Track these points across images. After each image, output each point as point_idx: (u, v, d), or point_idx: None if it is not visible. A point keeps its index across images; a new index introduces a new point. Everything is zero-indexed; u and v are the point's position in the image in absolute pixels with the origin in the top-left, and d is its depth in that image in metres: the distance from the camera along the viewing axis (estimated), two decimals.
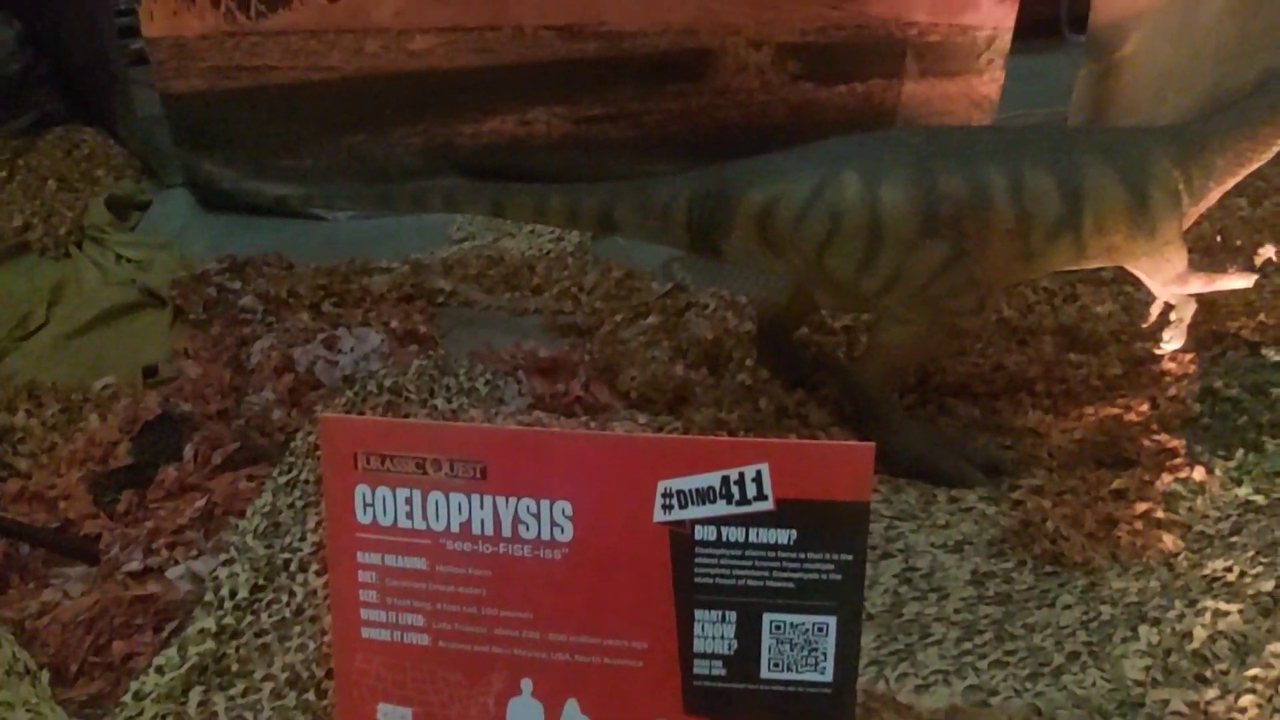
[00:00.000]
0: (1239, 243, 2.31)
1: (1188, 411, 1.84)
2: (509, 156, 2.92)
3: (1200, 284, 1.69)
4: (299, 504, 1.63)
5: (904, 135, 1.72)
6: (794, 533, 1.07)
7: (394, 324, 2.24)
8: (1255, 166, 1.62)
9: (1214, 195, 1.63)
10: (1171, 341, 1.83)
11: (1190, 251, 1.69)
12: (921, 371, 1.92)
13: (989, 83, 2.57)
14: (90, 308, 2.45)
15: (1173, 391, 1.86)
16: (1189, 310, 1.77)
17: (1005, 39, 2.51)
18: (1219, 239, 2.37)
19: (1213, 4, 2.81)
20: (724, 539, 1.07)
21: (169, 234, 2.86)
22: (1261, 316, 2.06)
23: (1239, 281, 1.72)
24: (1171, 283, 1.67)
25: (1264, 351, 1.95)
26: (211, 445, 1.82)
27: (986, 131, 2.11)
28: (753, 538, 1.07)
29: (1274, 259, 1.85)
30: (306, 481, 1.67)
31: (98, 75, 3.23)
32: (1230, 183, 1.63)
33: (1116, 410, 1.86)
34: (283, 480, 1.69)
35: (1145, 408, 1.86)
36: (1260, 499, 1.66)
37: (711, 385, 1.97)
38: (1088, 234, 1.54)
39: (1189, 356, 1.93)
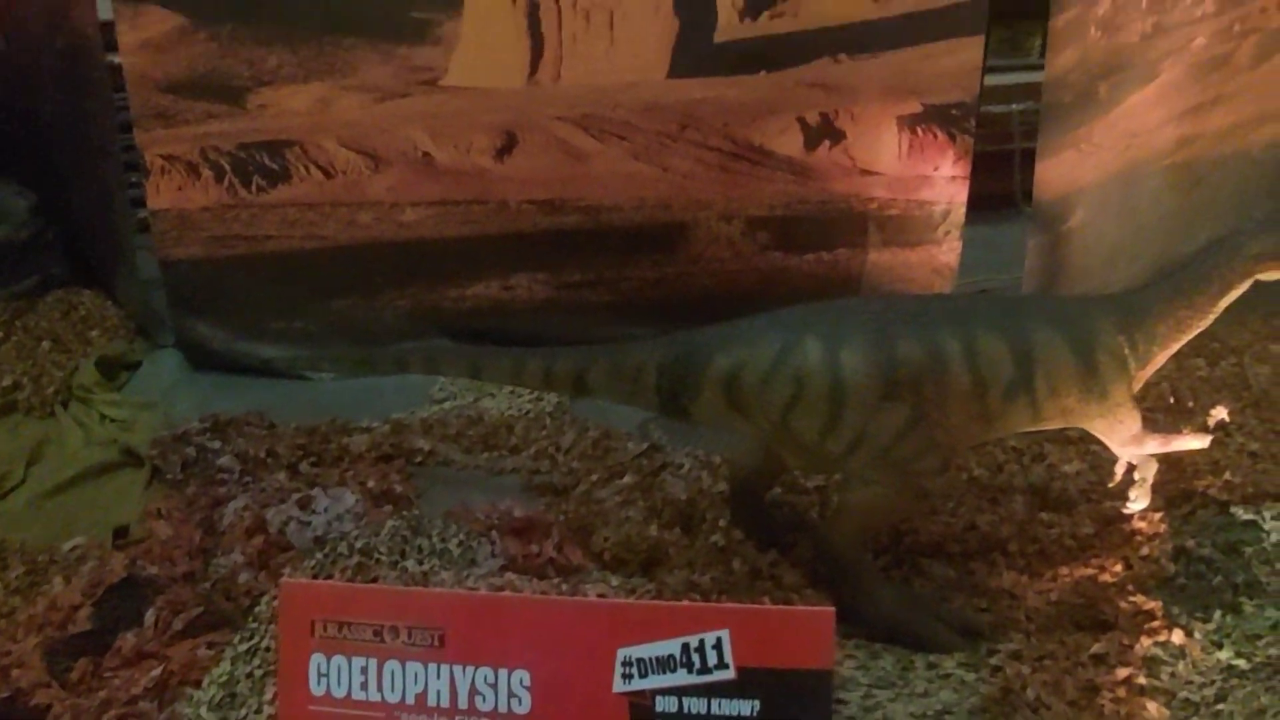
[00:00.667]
0: (1191, 404, 2.38)
1: (1162, 571, 1.84)
2: (492, 320, 3.02)
3: (1156, 444, 1.73)
4: (258, 673, 1.58)
5: (862, 303, 1.81)
6: (757, 703, 1.05)
7: (370, 484, 2.25)
8: (1196, 331, 1.70)
9: (1160, 359, 1.71)
10: (1137, 501, 1.85)
11: (1151, 411, 1.75)
12: (894, 532, 1.92)
13: (947, 252, 2.72)
14: (68, 468, 2.45)
15: (1146, 551, 1.87)
16: (1151, 470, 1.80)
17: (959, 212, 2.68)
18: (1172, 399, 2.44)
19: (1153, 180, 3.03)
20: (686, 710, 1.05)
21: (156, 394, 2.90)
22: (1228, 475, 2.10)
23: (1195, 442, 1.77)
24: (1128, 443, 1.72)
25: (1233, 510, 1.97)
26: (174, 610, 1.78)
27: (940, 299, 2.22)
28: (715, 709, 1.05)
29: (1227, 420, 1.90)
30: (267, 649, 1.62)
31: (104, 242, 3.38)
32: (1174, 347, 1.71)
33: (1091, 570, 1.86)
34: (243, 648, 1.64)
35: (1119, 568, 1.86)
36: (1243, 663, 1.63)
37: (685, 546, 1.96)
38: (1041, 397, 1.60)
39: (1159, 515, 1.95)
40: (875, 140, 2.64)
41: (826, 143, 2.70)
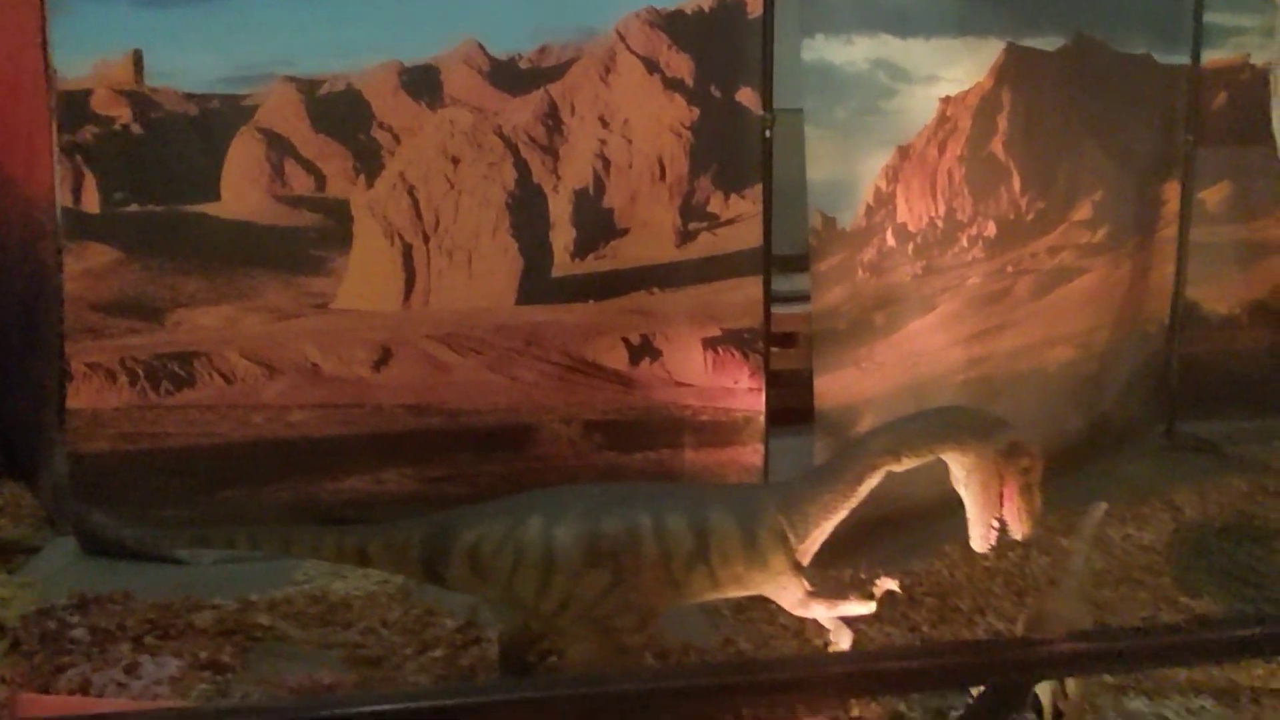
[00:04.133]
0: (863, 575, 2.65)
1: None
2: (363, 510, 3.35)
3: (823, 608, 2.03)
4: None
5: (587, 488, 2.17)
6: None
7: (202, 654, 2.48)
8: (844, 512, 2.04)
9: (817, 534, 2.04)
10: None
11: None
12: None
13: (752, 453, 3.11)
14: None
15: (857, 713, 2.10)
16: (845, 637, 2.08)
17: (759, 419, 3.10)
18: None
19: (948, 392, 3.47)
20: None
21: (45, 575, 3.17)
22: None
23: (860, 608, 2.06)
24: (796, 606, 2.02)
25: None
26: None
27: (648, 486, 2.57)
28: None
29: (897, 590, 2.19)
30: None
31: (34, 438, 3.77)
32: (827, 525, 2.04)
33: None
34: None
35: None
36: None
37: None
38: (716, 566, 1.92)
39: None
40: (686, 357, 3.11)
41: (647, 359, 3.17)
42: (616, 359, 3.19)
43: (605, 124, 3.06)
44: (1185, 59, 4.01)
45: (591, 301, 3.17)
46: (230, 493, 3.35)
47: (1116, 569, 2.92)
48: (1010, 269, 3.61)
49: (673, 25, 2.89)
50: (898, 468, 2.02)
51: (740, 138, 2.93)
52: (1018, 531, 2.05)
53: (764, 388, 3.06)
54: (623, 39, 3.01)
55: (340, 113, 3.18)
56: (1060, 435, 3.85)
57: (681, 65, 2.93)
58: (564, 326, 3.19)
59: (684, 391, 3.14)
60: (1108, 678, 2.21)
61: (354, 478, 3.38)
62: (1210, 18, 3.99)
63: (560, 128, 3.07)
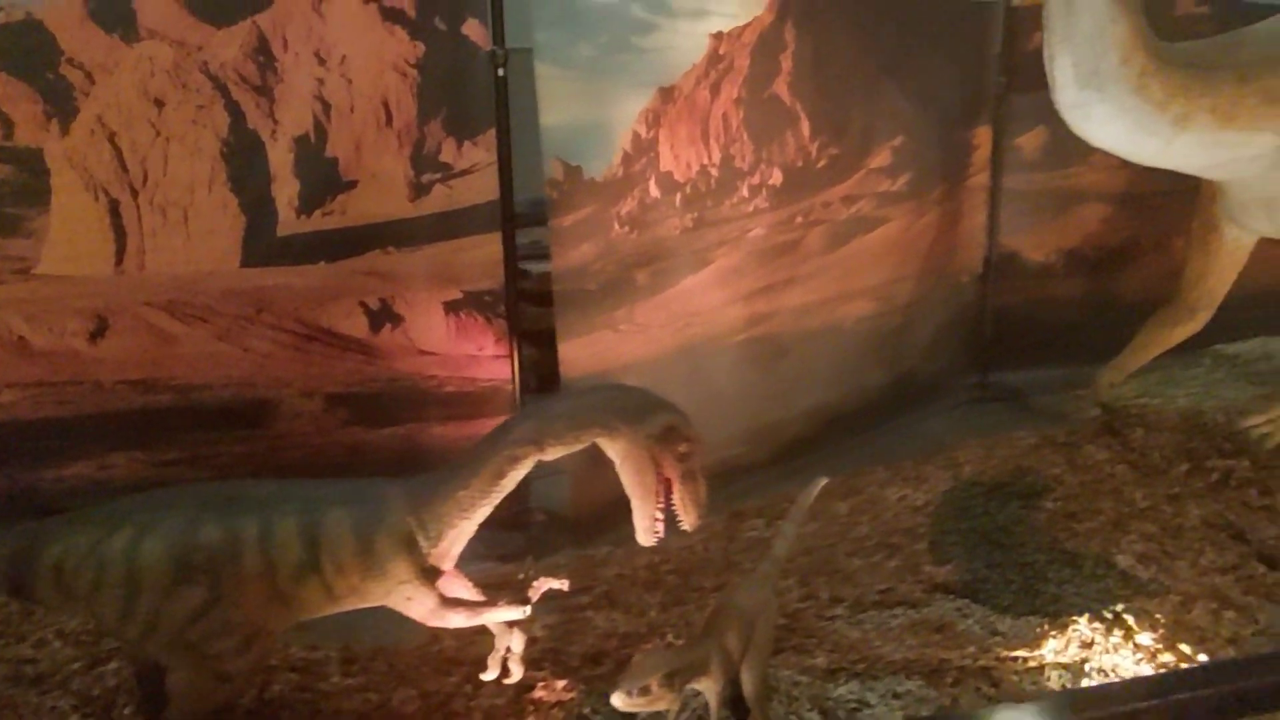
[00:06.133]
0: (521, 576, 2.43)
1: None
2: (89, 499, 3.02)
3: (463, 618, 1.83)
4: None
5: (201, 488, 1.91)
6: None
7: None
8: (483, 510, 1.83)
9: (453, 536, 1.83)
10: (514, 672, 1.92)
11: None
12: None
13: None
14: None
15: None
16: (514, 640, 1.88)
17: (507, 389, 2.86)
18: None
19: (728, 354, 3.29)
20: None
21: None
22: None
23: (511, 613, 1.86)
24: (429, 617, 1.81)
25: None
26: None
27: (270, 485, 2.32)
28: None
29: (561, 588, 2.01)
30: None
31: None
32: (463, 525, 1.83)
33: None
34: None
35: None
36: None
37: None
38: (330, 576, 1.69)
39: (563, 684, 2.01)
40: (428, 324, 2.84)
41: (388, 325, 2.88)
42: (356, 326, 2.90)
43: (322, 61, 2.71)
44: None
45: (323, 263, 2.85)
46: None
47: (879, 534, 2.81)
48: (800, 219, 3.42)
49: None
50: (544, 457, 1.81)
51: (470, 77, 2.63)
52: (685, 522, 1.87)
53: (512, 354, 2.81)
54: None
55: (22, 47, 2.76)
56: (859, 392, 3.73)
57: None
58: (296, 291, 2.88)
59: (428, 361, 2.88)
60: (819, 660, 2.09)
61: (78, 464, 3.04)
62: None
63: (273, 65, 2.71)
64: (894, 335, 3.81)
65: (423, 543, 1.75)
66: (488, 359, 2.83)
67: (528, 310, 2.80)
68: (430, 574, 1.76)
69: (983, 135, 3.97)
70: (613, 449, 1.81)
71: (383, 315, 2.88)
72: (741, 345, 3.29)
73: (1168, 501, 2.88)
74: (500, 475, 1.80)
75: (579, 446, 1.81)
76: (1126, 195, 4.19)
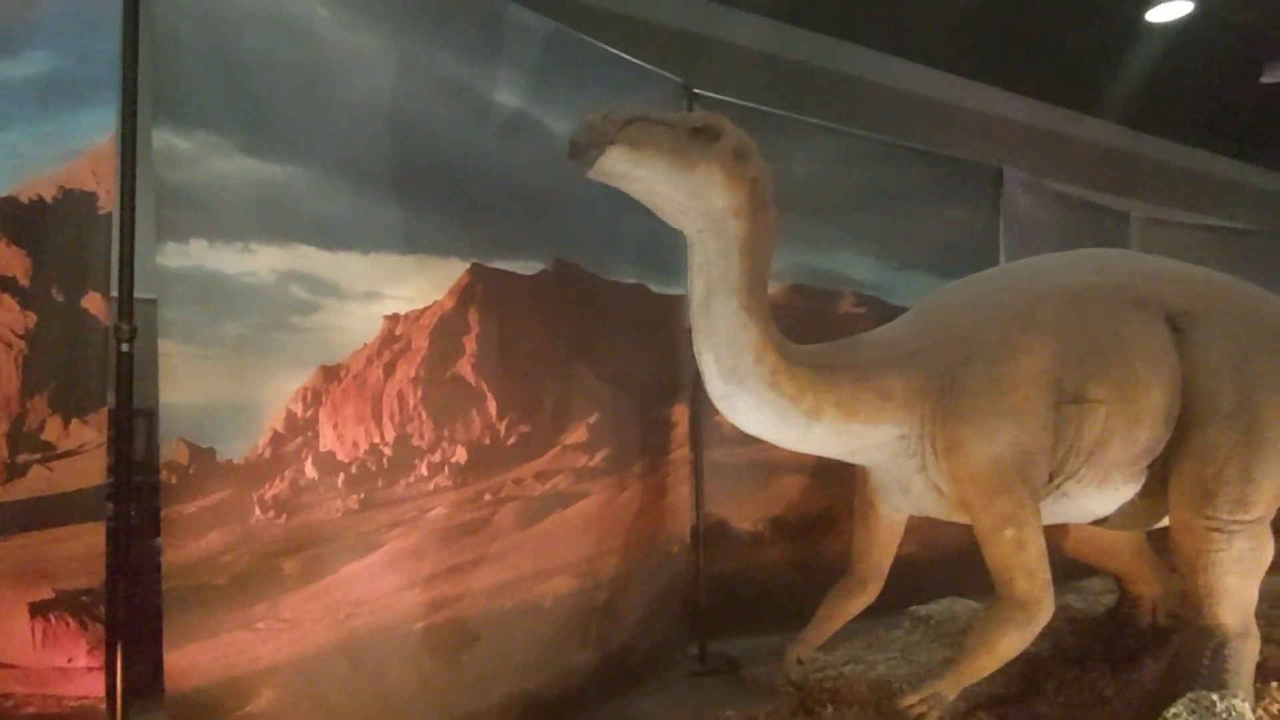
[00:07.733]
0: None
1: None
2: None
3: None
4: None
5: None
6: None
7: None
8: None
9: None
10: None
11: None
12: None
13: None
14: None
15: None
16: None
17: (100, 708, 2.38)
18: None
19: (403, 643, 2.98)
20: None
21: None
22: None
23: None
24: None
25: None
26: None
27: None
28: None
29: None
30: None
31: None
32: None
33: None
34: None
35: None
36: None
37: None
38: None
39: None
40: (9, 629, 2.37)
41: None
42: None
43: None
44: (681, 290, 4.22)
45: None
46: None
47: None
48: (489, 496, 3.33)
49: (2, 214, 2.40)
50: None
51: (85, 352, 2.42)
52: None
53: (110, 666, 2.37)
54: None
55: None
56: (565, 675, 3.50)
57: (14, 262, 2.42)
58: None
59: (5, 675, 2.37)
60: None
61: None
62: None
63: None
64: (601, 611, 3.68)
65: None
66: (79, 672, 2.37)
67: (136, 611, 2.41)
68: None
69: (681, 413, 4.20)
70: None
71: None
72: (422, 634, 3.01)
73: None
74: None
75: None
76: (819, 466, 4.50)
